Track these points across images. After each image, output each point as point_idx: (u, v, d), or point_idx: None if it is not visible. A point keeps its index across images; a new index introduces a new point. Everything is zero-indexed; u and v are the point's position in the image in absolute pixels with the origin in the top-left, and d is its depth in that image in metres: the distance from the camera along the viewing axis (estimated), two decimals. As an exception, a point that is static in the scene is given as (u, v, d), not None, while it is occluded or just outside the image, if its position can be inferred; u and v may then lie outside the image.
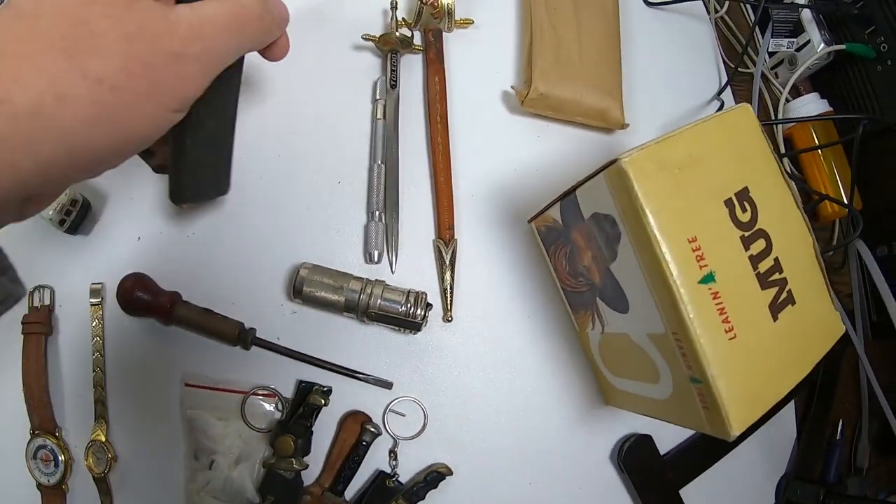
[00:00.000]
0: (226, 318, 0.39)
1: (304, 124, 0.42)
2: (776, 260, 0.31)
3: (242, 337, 0.38)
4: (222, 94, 0.34)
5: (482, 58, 0.45)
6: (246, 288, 0.40)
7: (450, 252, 0.39)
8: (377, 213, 0.39)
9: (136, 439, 0.41)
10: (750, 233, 0.30)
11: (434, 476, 0.38)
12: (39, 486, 0.41)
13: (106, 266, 0.42)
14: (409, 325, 0.37)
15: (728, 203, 0.30)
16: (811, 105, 0.49)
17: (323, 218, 0.40)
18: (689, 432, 0.43)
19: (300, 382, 0.38)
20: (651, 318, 0.31)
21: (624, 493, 0.42)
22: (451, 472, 0.39)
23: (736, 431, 0.29)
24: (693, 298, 0.28)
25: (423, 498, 0.38)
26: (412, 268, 0.40)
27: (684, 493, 0.42)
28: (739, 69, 0.50)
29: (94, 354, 0.42)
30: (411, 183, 0.41)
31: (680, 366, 0.30)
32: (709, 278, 0.29)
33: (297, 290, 0.37)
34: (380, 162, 0.40)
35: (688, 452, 0.43)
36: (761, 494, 0.46)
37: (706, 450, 0.44)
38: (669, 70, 0.48)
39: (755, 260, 0.30)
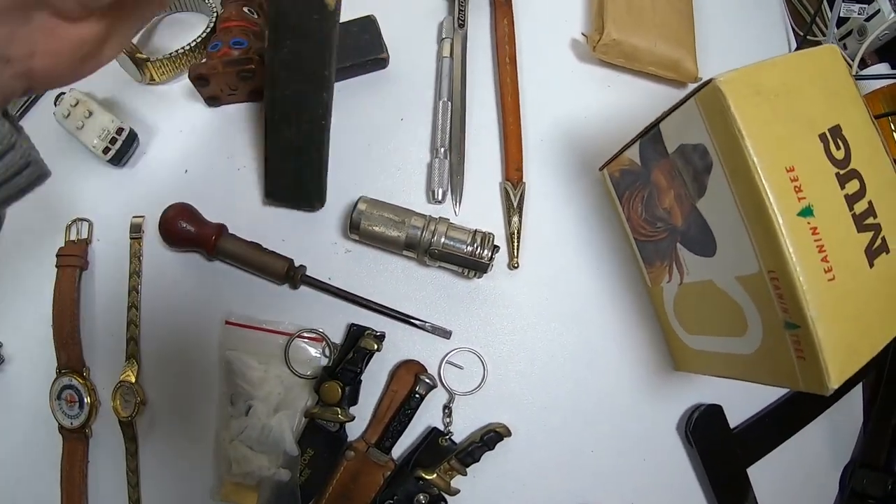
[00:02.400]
0: (274, 253, 0.36)
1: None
2: (870, 203, 0.29)
3: (291, 274, 0.36)
4: (302, 105, 0.34)
5: (549, 3, 0.43)
6: (297, 224, 0.38)
7: (518, 194, 0.37)
8: (442, 150, 0.37)
9: (167, 382, 0.38)
10: (844, 171, 0.28)
11: (492, 436, 0.35)
12: (62, 428, 0.38)
13: (149, 199, 0.40)
14: (475, 265, 0.34)
15: (822, 138, 0.28)
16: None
17: (383, 154, 0.38)
18: (758, 406, 0.40)
19: (351, 326, 0.36)
20: (743, 257, 0.28)
21: (688, 468, 0.38)
22: (509, 434, 0.35)
23: (835, 384, 0.26)
24: (793, 231, 0.26)
25: (477, 460, 0.35)
26: (477, 210, 0.37)
27: (750, 472, 0.39)
28: (808, 37, 0.49)
29: (130, 291, 0.39)
30: (478, 125, 0.39)
31: (774, 310, 0.28)
32: (807, 212, 0.26)
33: (355, 224, 0.35)
34: (445, 99, 0.38)
35: (756, 429, 0.40)
36: (826, 480, 0.42)
37: (776, 427, 0.40)
38: (738, 33, 0.46)
39: (850, 200, 0.28)
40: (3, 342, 0.40)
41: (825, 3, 0.49)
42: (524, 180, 0.38)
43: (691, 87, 0.42)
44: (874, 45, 0.50)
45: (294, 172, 0.36)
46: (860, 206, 0.28)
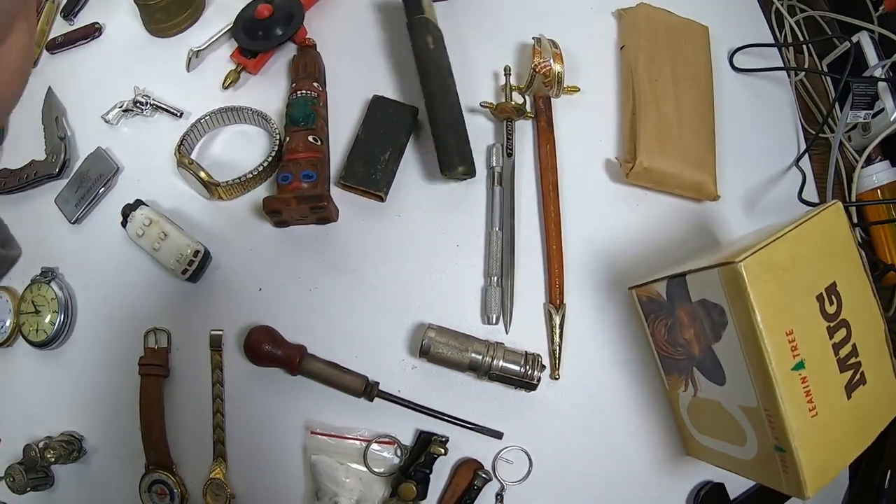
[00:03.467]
0: (352, 371, 0.41)
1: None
2: (854, 346, 0.36)
3: (368, 391, 0.41)
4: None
5: (585, 124, 0.47)
6: (367, 342, 0.43)
7: (559, 316, 0.42)
8: (495, 278, 0.42)
9: (253, 480, 0.43)
10: (834, 323, 0.35)
11: (537, 519, 0.42)
12: (154, 519, 0.44)
13: (225, 313, 0.44)
14: (525, 385, 0.40)
15: (819, 298, 0.34)
16: (883, 173, 0.52)
17: (442, 278, 0.43)
18: (750, 483, 0.48)
19: (420, 432, 0.41)
20: (745, 393, 0.35)
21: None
22: (551, 515, 0.43)
23: (811, 494, 0.33)
24: (786, 382, 0.32)
25: (525, 539, 0.42)
26: (524, 329, 0.43)
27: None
28: (819, 135, 0.53)
29: (214, 399, 0.44)
30: (524, 251, 0.44)
31: (767, 435, 0.35)
32: (800, 366, 0.33)
33: (424, 350, 0.40)
34: (497, 229, 0.43)
35: (753, 500, 0.48)
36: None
37: (768, 497, 0.48)
38: (751, 134, 0.50)
39: (837, 347, 0.35)
40: (84, 436, 0.45)
41: (836, 105, 0.54)
42: (564, 302, 0.43)
43: (708, 204, 0.48)
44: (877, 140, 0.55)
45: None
46: (845, 350, 0.35)
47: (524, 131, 0.46)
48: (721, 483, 0.46)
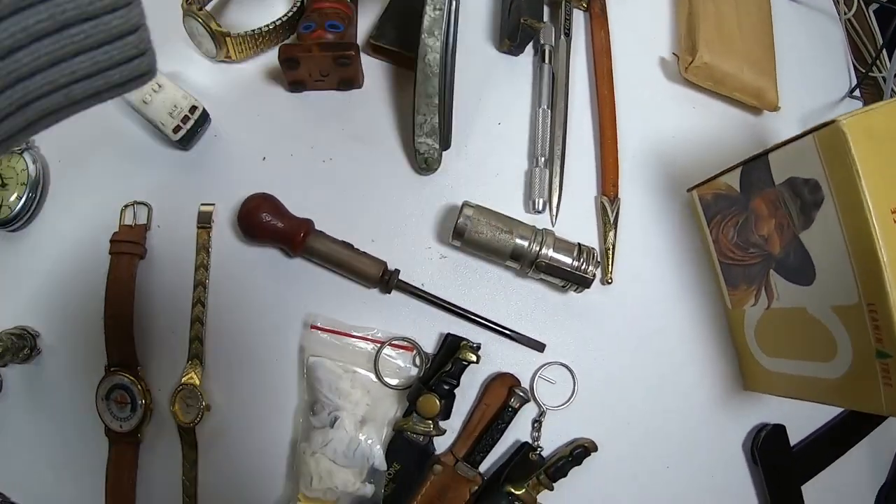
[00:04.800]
0: (367, 255, 0.34)
1: (463, 59, 0.38)
2: None
3: (385, 279, 0.34)
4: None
5: (638, 20, 0.44)
6: (388, 224, 0.36)
7: (614, 210, 0.37)
8: (542, 159, 0.36)
9: (235, 388, 0.35)
10: None
11: (580, 452, 0.35)
12: (109, 431, 0.35)
13: (219, 186, 0.37)
14: (579, 280, 0.34)
15: None
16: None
17: (479, 158, 0.37)
18: (813, 426, 0.42)
19: (447, 336, 0.34)
20: (842, 288, 0.30)
21: (749, 485, 0.40)
22: (596, 449, 0.35)
23: None
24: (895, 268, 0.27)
25: (565, 475, 0.34)
26: (571, 223, 0.37)
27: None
28: (869, 74, 0.51)
29: (196, 286, 0.36)
30: (572, 136, 0.38)
31: (867, 339, 0.29)
32: None
33: (460, 230, 0.34)
34: (545, 107, 0.37)
35: (812, 449, 0.41)
36: (864, 500, 0.45)
37: (828, 447, 0.42)
38: (803, 63, 0.48)
39: None
40: (40, 332, 0.36)
41: (884, 50, 0.52)
42: (619, 196, 0.37)
43: (767, 114, 0.44)
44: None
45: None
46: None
47: (575, 22, 0.42)
48: (781, 424, 0.40)
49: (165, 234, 0.37)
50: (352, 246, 0.34)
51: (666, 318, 0.38)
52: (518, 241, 0.33)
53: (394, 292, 0.34)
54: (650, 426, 0.37)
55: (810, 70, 0.48)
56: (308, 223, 0.34)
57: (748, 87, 0.42)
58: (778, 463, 0.40)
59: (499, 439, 0.34)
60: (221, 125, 0.38)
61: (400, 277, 0.34)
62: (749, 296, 0.37)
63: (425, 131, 0.35)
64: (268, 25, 0.37)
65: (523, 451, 0.35)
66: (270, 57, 0.39)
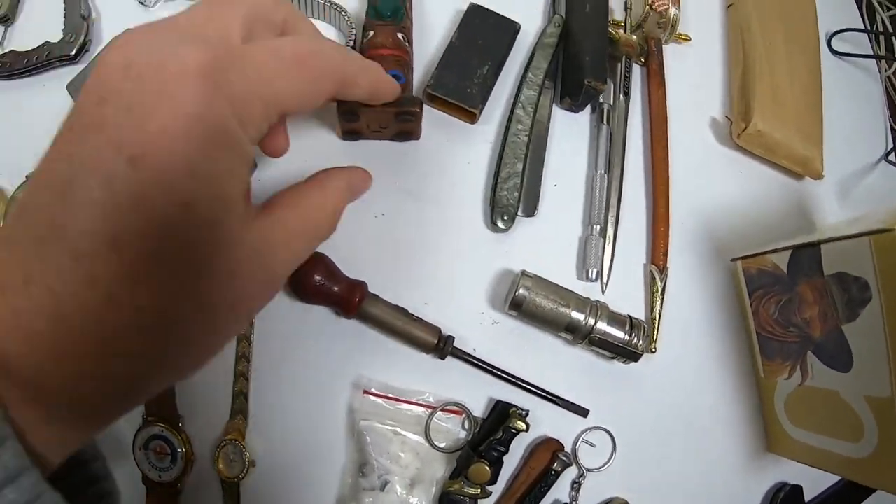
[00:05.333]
0: (423, 321, 0.34)
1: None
2: None
3: (441, 346, 0.34)
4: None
5: (691, 79, 0.43)
6: (441, 288, 0.35)
7: (663, 280, 0.37)
8: (597, 227, 0.36)
9: (280, 446, 0.35)
10: None
11: (614, 512, 0.36)
12: (146, 479, 0.34)
13: (266, 237, 0.35)
14: (629, 355, 0.34)
15: None
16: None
17: (536, 222, 0.36)
18: (824, 485, 0.44)
19: (498, 402, 0.35)
20: (876, 381, 0.31)
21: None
22: (629, 510, 0.37)
23: None
24: None
25: (600, 535, 0.36)
26: (619, 291, 0.37)
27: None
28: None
29: (240, 341, 0.35)
30: (624, 201, 0.38)
31: (895, 430, 0.31)
32: None
33: (517, 302, 0.33)
34: (603, 171, 0.37)
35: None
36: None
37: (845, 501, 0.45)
38: (843, 122, 0.48)
39: None
40: None
41: None
42: (668, 266, 0.38)
43: (808, 179, 0.44)
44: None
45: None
46: None
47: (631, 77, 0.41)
48: (799, 486, 0.42)
49: (207, 283, 0.35)
50: (406, 311, 0.34)
51: (701, 383, 0.39)
52: (574, 314, 0.33)
53: (445, 360, 0.34)
54: (680, 485, 0.39)
55: (849, 130, 0.49)
56: (363, 287, 0.33)
57: (796, 155, 0.42)
58: (793, 523, 0.42)
59: (541, 501, 0.35)
60: (265, 170, 0.36)
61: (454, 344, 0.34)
62: (784, 370, 0.38)
63: (508, 186, 0.35)
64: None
65: (563, 513, 0.36)
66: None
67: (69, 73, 0.38)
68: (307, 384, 0.35)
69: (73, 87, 0.38)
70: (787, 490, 0.41)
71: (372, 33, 0.35)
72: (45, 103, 0.37)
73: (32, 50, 0.39)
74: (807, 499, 0.43)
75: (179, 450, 0.34)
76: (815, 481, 0.43)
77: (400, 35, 0.35)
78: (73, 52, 0.38)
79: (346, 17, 0.37)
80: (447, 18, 0.40)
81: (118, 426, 0.33)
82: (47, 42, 0.39)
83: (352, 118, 0.34)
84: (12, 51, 0.40)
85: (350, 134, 0.36)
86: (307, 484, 0.34)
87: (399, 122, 0.34)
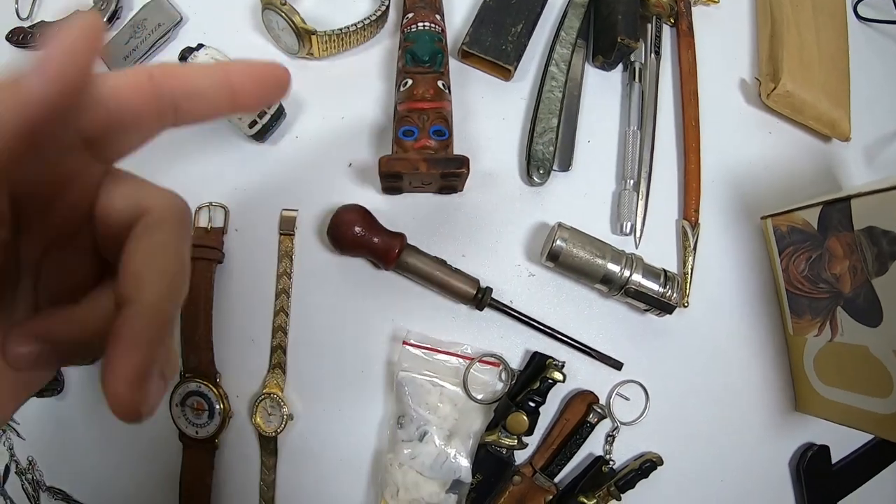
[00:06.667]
0: (462, 272, 0.34)
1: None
2: None
3: (479, 297, 0.34)
4: None
5: (720, 40, 0.43)
6: (480, 241, 0.36)
7: (695, 236, 0.37)
8: (631, 181, 0.36)
9: (318, 399, 0.35)
10: None
11: (648, 465, 0.37)
12: (183, 436, 0.35)
13: (300, 192, 0.36)
14: (664, 307, 0.35)
15: None
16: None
17: (570, 177, 0.37)
18: (852, 446, 0.44)
19: (535, 354, 0.35)
20: None
21: (791, 500, 0.42)
22: (662, 462, 0.37)
23: None
24: None
25: (633, 486, 0.36)
26: (652, 246, 0.37)
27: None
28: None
29: (278, 294, 0.35)
30: (656, 158, 0.38)
31: None
32: None
33: (555, 254, 0.34)
34: (636, 128, 0.37)
35: (850, 469, 0.44)
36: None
37: (864, 468, 0.45)
38: (871, 87, 0.48)
39: None
40: None
41: None
42: (699, 221, 0.38)
43: (835, 142, 0.44)
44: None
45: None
46: None
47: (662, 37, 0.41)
48: (826, 446, 0.42)
49: (243, 238, 0.35)
50: (445, 262, 0.34)
51: (731, 340, 0.40)
52: (610, 265, 0.34)
53: (483, 311, 0.34)
54: (709, 442, 0.39)
55: (876, 95, 0.49)
56: (402, 238, 0.33)
57: (824, 116, 0.42)
58: (820, 483, 0.42)
59: (576, 452, 0.36)
60: (301, 125, 0.36)
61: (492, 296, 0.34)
62: (813, 327, 0.38)
63: (543, 140, 0.35)
64: (356, 24, 0.35)
65: (598, 465, 0.36)
66: (353, 56, 0.37)
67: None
68: (345, 337, 0.35)
69: (105, 52, 0.38)
70: (814, 450, 0.42)
71: (410, 82, 0.33)
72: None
73: (61, 20, 0.39)
74: (833, 460, 0.44)
75: (217, 405, 0.34)
76: (840, 443, 0.43)
77: (440, 83, 0.34)
78: (105, 19, 0.39)
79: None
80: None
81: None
82: (78, 11, 0.39)
83: (394, 180, 0.33)
84: (42, 21, 0.40)
85: (390, 191, 0.35)
86: (345, 436, 0.35)
87: (444, 179, 0.33)
